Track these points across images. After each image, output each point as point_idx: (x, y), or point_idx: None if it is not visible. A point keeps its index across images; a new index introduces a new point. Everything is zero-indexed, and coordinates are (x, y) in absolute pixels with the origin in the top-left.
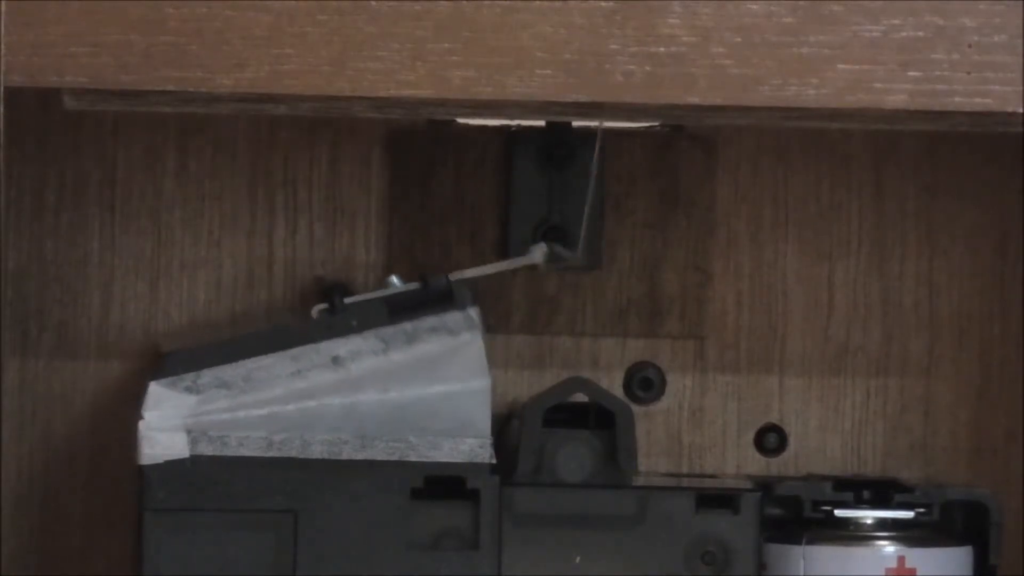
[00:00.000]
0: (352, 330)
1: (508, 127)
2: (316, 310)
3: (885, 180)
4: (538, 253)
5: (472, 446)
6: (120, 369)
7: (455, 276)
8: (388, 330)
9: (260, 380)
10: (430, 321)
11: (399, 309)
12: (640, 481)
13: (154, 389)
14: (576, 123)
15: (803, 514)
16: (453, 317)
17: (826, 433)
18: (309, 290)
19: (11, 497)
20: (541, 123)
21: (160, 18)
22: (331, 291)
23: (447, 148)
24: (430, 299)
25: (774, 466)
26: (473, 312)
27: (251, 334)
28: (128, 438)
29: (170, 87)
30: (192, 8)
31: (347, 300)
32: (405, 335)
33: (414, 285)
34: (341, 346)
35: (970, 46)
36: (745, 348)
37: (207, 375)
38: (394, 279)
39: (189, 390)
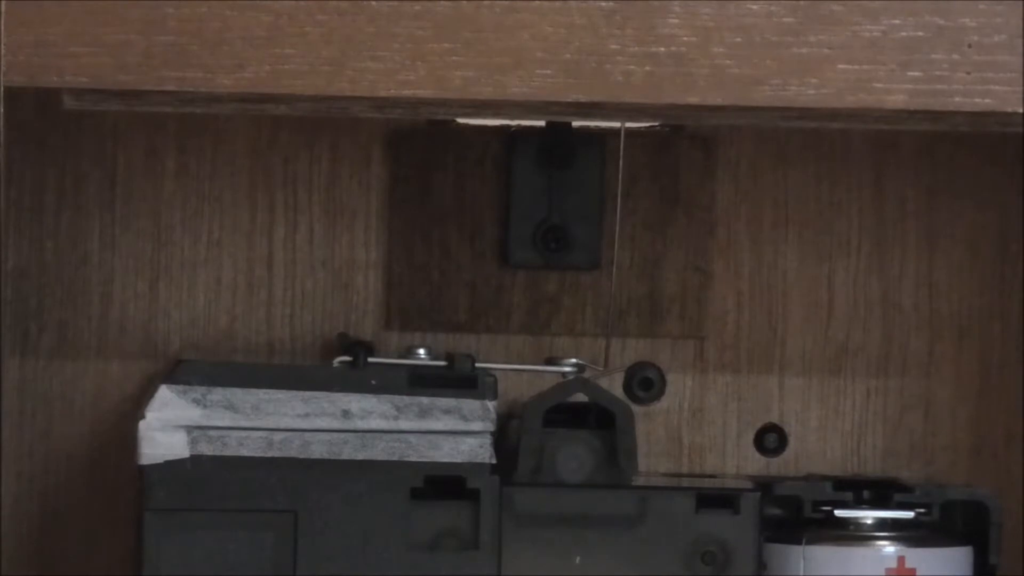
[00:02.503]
0: (369, 389)
1: (508, 127)
2: (338, 361)
3: (885, 180)
4: (567, 367)
5: (472, 446)
6: (120, 369)
7: (482, 365)
8: (404, 399)
9: (267, 412)
10: (447, 402)
11: (419, 382)
12: (640, 481)
13: (163, 391)
14: (576, 123)
15: (803, 514)
16: (470, 405)
17: (826, 433)
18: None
19: (11, 497)
20: (541, 123)
21: (160, 18)
22: (356, 348)
23: (447, 148)
24: (452, 380)
25: (774, 466)
26: (491, 404)
27: (270, 366)
28: (128, 438)
29: (170, 87)
30: (192, 8)
31: (370, 360)
32: (419, 408)
33: (440, 362)
34: (354, 402)
35: (970, 46)
36: (745, 348)
37: (218, 393)
38: (421, 351)
39: (197, 402)
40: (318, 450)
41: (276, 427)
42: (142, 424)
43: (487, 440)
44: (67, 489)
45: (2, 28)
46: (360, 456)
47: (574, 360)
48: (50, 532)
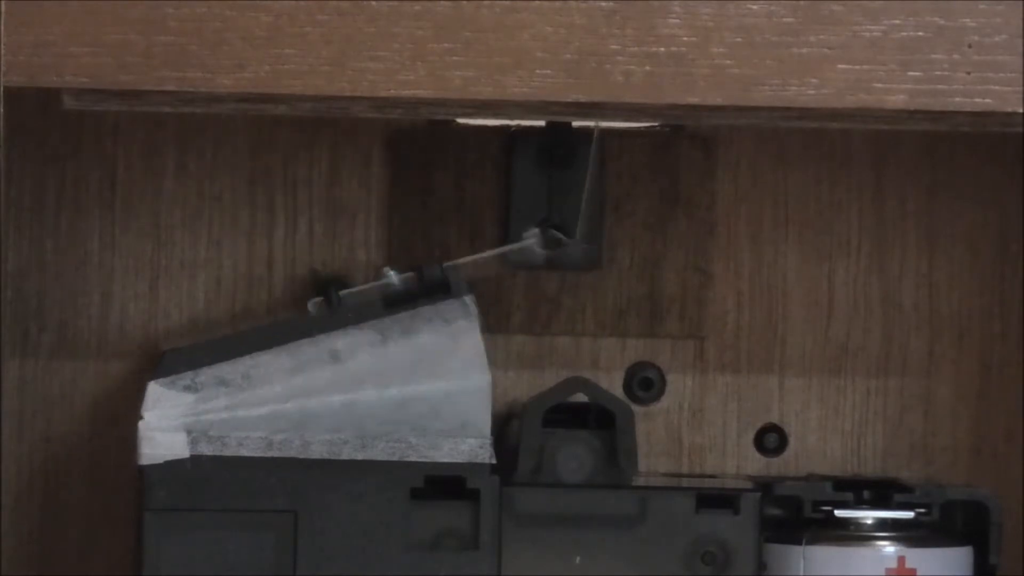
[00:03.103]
0: (349, 322)
1: (508, 127)
2: (312, 303)
3: (885, 180)
4: (531, 238)
5: (472, 446)
6: (120, 369)
7: (449, 265)
8: (385, 322)
9: (259, 377)
10: (426, 310)
11: (395, 300)
12: (640, 481)
13: (153, 388)
14: (576, 123)
15: (803, 514)
16: (449, 305)
17: (826, 433)
18: (307, 286)
19: (11, 497)
20: (541, 123)
21: (160, 18)
22: (327, 284)
23: (447, 148)
24: (426, 289)
25: (774, 466)
26: (468, 299)
27: (248, 330)
28: (128, 438)
29: (170, 87)
30: (192, 8)
31: (343, 293)
32: (402, 325)
33: (409, 275)
34: (338, 340)
35: (970, 46)
36: (745, 348)
37: (205, 373)
38: (389, 271)
39: (188, 388)
40: (318, 450)
41: (272, 393)
42: (142, 424)
43: (487, 440)
44: (67, 489)
45: (2, 28)
46: (360, 456)
47: (537, 233)
48: (50, 532)
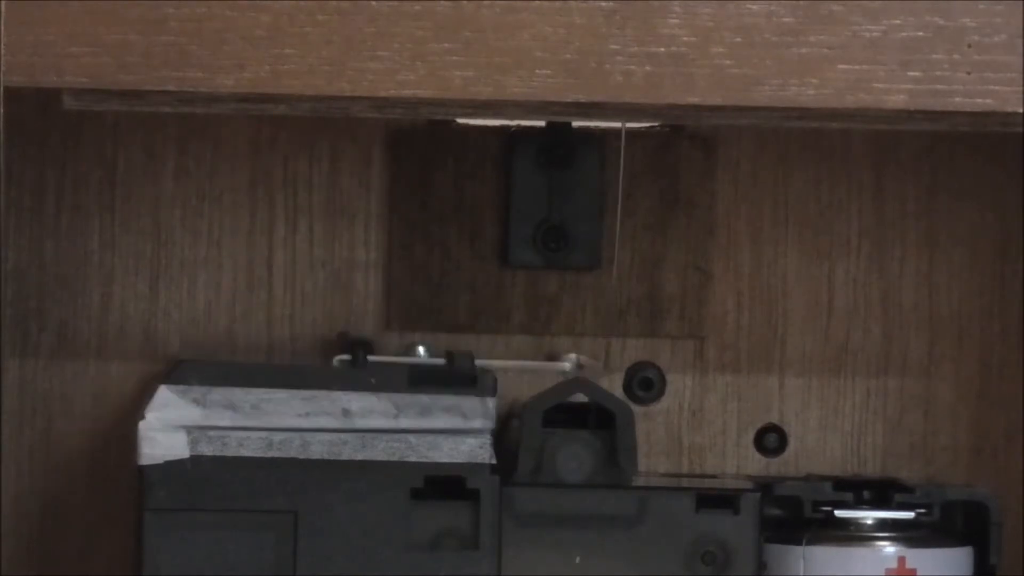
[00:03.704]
0: (369, 388)
1: (508, 127)
2: (337, 360)
3: (885, 180)
4: (567, 364)
5: (472, 446)
6: (120, 369)
7: (481, 364)
8: (404, 397)
9: (267, 411)
10: (447, 400)
11: (419, 380)
12: (640, 481)
13: (163, 392)
14: (576, 123)
15: (803, 514)
16: (471, 403)
17: (826, 433)
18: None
19: (11, 497)
20: (541, 123)
21: (160, 18)
22: (356, 346)
23: (447, 148)
24: (452, 378)
25: (774, 466)
26: (491, 402)
27: (270, 366)
28: (128, 438)
29: (170, 87)
30: (192, 8)
31: (370, 358)
32: (420, 407)
33: (439, 361)
34: (354, 400)
35: (970, 46)
36: (745, 348)
37: (217, 393)
38: (420, 349)
39: (196, 402)
40: (318, 450)
41: (276, 427)
42: (142, 424)
43: (487, 440)
44: (67, 489)
45: (2, 28)
46: (360, 456)
47: (574, 356)
48: (50, 532)
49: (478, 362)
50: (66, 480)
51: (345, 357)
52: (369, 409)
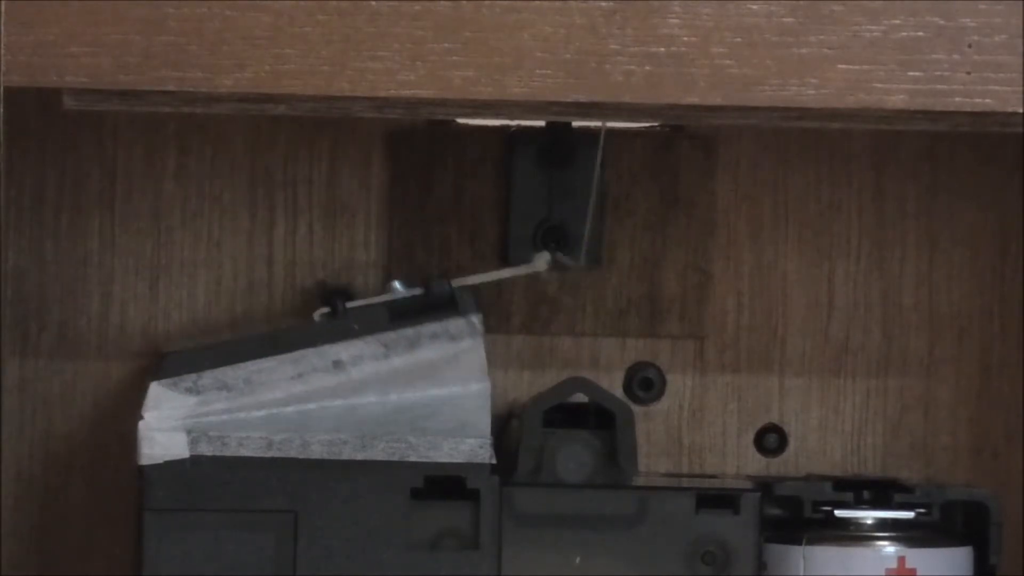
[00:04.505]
0: (354, 334)
1: (508, 127)
2: (318, 314)
3: (885, 180)
4: (541, 261)
5: (472, 446)
6: (120, 369)
7: (457, 282)
8: (390, 335)
9: (260, 383)
10: (432, 327)
11: (401, 314)
12: (640, 481)
13: (155, 389)
14: (576, 123)
15: (803, 514)
16: (455, 323)
17: (826, 433)
18: (310, 292)
19: (11, 497)
20: (541, 123)
21: (160, 18)
22: (333, 295)
23: (447, 148)
24: (432, 305)
25: (774, 466)
26: (475, 318)
27: (253, 336)
28: (128, 438)
29: (170, 87)
30: (192, 8)
31: (349, 304)
32: (407, 340)
33: (417, 291)
34: (342, 350)
35: (970, 46)
36: (745, 348)
37: (208, 376)
38: (396, 284)
39: (189, 391)
40: (318, 450)
41: (272, 398)
42: (142, 424)
43: (487, 440)
44: (67, 489)
45: (2, 28)
46: (360, 456)
47: (547, 256)
48: (50, 532)
49: (454, 282)
50: (66, 480)
51: (325, 310)
52: (358, 355)
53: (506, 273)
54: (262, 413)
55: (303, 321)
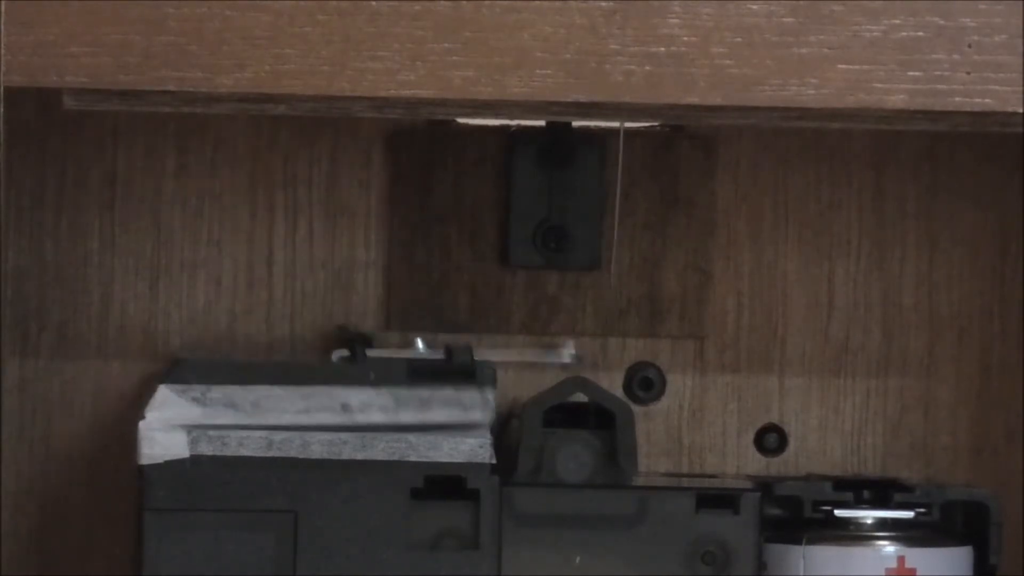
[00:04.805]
0: (368, 382)
1: (508, 127)
2: (336, 355)
3: (885, 180)
4: (565, 353)
5: (472, 446)
6: (120, 369)
7: (480, 354)
8: (403, 391)
9: (267, 408)
10: (446, 392)
11: (419, 374)
12: (640, 481)
13: (162, 391)
14: (576, 123)
15: (803, 514)
16: (470, 394)
17: (826, 433)
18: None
19: (11, 497)
20: (541, 123)
21: (160, 18)
22: (354, 341)
23: (447, 148)
24: (451, 371)
25: (774, 466)
26: (490, 394)
27: (268, 363)
28: (128, 438)
29: (170, 87)
30: (192, 8)
31: (369, 353)
32: (419, 400)
33: (438, 354)
34: (354, 395)
35: (970, 46)
36: (745, 348)
37: (217, 391)
38: (419, 343)
39: (196, 401)
40: (318, 450)
41: (276, 424)
42: (142, 424)
43: (487, 440)
44: (67, 489)
45: (2, 28)
46: (360, 456)
47: (572, 349)
48: (50, 532)
49: (477, 355)
50: (66, 480)
51: (344, 353)
52: (368, 404)
53: (532, 357)
54: (262, 434)
55: (321, 360)
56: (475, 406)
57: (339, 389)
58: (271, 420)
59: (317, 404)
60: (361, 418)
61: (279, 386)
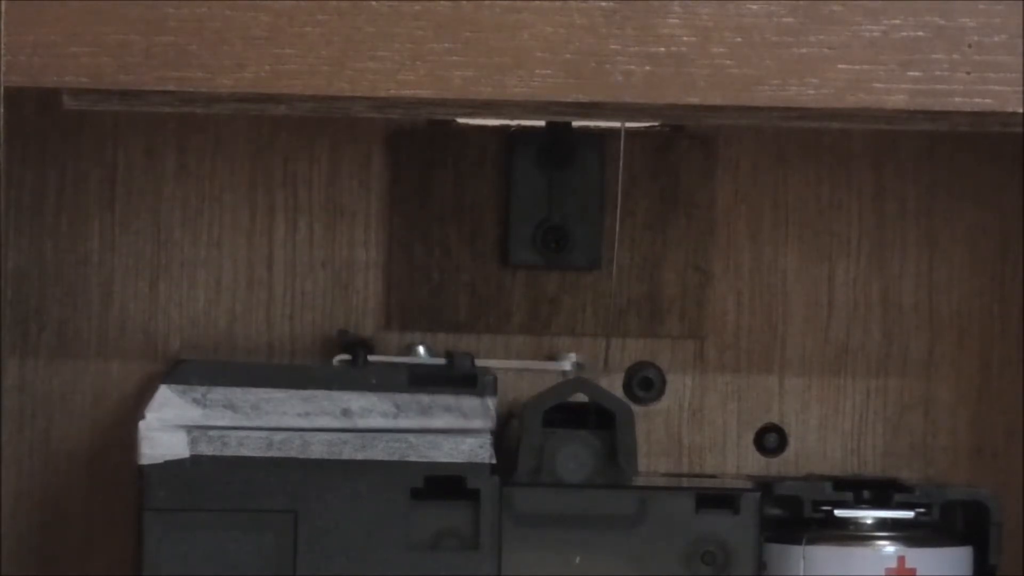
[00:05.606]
0: (369, 388)
1: (508, 127)
2: (337, 360)
3: (885, 180)
4: (566, 363)
5: (472, 446)
6: (120, 369)
7: (481, 362)
8: (404, 397)
9: (267, 411)
10: (447, 399)
11: (420, 380)
12: (640, 481)
13: (163, 391)
14: (576, 123)
15: (803, 514)
16: (470, 402)
17: (826, 433)
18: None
19: (11, 497)
20: (541, 123)
21: (160, 18)
22: (356, 346)
23: (447, 148)
24: (453, 378)
25: (774, 466)
26: (491, 402)
27: (270, 365)
28: (128, 438)
29: (170, 87)
30: (192, 8)
31: (370, 358)
32: (420, 406)
33: (439, 361)
34: (354, 400)
35: (970, 46)
36: (745, 348)
37: (217, 392)
38: (420, 349)
39: (197, 402)
40: (318, 450)
41: (276, 426)
42: (142, 424)
43: (487, 440)
44: (67, 489)
45: (2, 28)
46: (360, 456)
47: (574, 357)
48: (50, 532)
49: (478, 362)
50: (66, 480)
51: (345, 357)
52: (369, 409)
53: (534, 365)
54: (261, 435)
55: (322, 364)
56: (476, 414)
57: (339, 394)
58: (271, 423)
59: (317, 408)
60: (361, 423)
61: (280, 389)
